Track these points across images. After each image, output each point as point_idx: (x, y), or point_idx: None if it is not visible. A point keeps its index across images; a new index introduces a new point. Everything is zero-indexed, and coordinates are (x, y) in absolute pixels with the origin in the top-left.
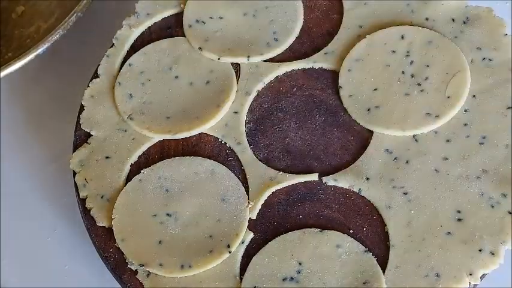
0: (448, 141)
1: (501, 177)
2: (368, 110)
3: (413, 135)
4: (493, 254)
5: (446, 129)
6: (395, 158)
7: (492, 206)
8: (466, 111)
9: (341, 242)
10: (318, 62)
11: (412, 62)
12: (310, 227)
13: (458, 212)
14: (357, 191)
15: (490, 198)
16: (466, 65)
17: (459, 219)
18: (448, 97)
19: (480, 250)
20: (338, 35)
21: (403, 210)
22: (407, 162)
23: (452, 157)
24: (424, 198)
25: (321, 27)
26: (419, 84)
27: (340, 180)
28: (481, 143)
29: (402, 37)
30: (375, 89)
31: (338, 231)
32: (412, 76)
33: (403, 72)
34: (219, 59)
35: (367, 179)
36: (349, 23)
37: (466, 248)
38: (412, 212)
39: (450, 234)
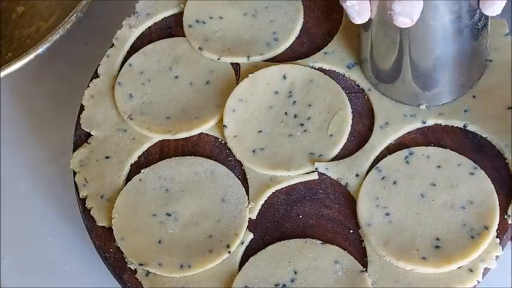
0: (439, 167)
1: (486, 210)
2: (253, 151)
3: (405, 157)
4: (471, 271)
5: (440, 154)
6: (383, 177)
7: (472, 237)
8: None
9: (340, 259)
10: (318, 62)
11: (294, 102)
12: (311, 227)
13: (437, 239)
14: (344, 185)
15: (471, 229)
16: (346, 102)
17: (437, 246)
18: (331, 135)
19: (459, 267)
20: (338, 34)
21: (382, 230)
22: (394, 183)
23: (440, 184)
24: (406, 221)
25: (321, 27)
26: (302, 125)
27: (330, 170)
28: (471, 173)
29: (284, 77)
30: (259, 131)
31: (338, 230)
32: (295, 116)
33: (286, 113)
34: (219, 59)
35: (357, 175)
36: (350, 22)
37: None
38: (391, 233)
39: (425, 259)
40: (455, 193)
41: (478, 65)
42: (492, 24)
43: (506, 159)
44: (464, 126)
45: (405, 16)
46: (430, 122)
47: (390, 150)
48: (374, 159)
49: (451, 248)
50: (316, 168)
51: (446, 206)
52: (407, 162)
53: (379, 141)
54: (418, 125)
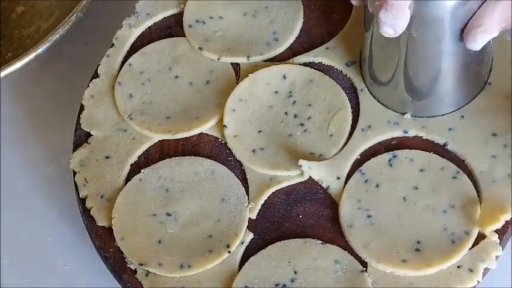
0: (421, 170)
1: (467, 215)
2: (253, 151)
3: (389, 160)
4: (471, 271)
5: (423, 158)
6: (366, 180)
7: (453, 242)
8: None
9: (340, 258)
10: (318, 56)
11: (294, 102)
12: (311, 227)
13: (418, 242)
14: (325, 188)
15: (452, 233)
16: (347, 102)
17: (417, 249)
18: (331, 135)
19: (459, 267)
20: (341, 32)
21: (363, 232)
22: (377, 185)
23: (423, 187)
24: (387, 224)
25: (321, 27)
26: (302, 125)
27: (313, 169)
28: (454, 177)
29: (284, 77)
30: (259, 131)
31: (338, 230)
32: (295, 116)
33: (286, 113)
34: (219, 59)
35: (338, 178)
36: (354, 21)
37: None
38: (372, 235)
39: (405, 261)
40: (437, 197)
41: (473, 85)
42: (501, 46)
43: (478, 186)
44: (444, 144)
45: (389, 26)
46: (412, 133)
47: (374, 152)
48: (354, 161)
49: (431, 252)
50: (299, 165)
51: (428, 210)
52: (390, 165)
53: (358, 144)
54: (399, 133)
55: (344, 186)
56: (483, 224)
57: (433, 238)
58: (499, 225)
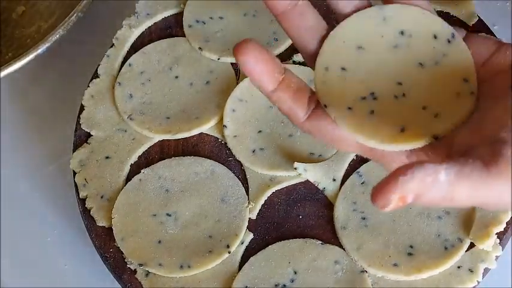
0: None
1: (462, 222)
2: (253, 151)
3: None
4: (471, 271)
5: None
6: (363, 182)
7: (446, 248)
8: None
9: (340, 259)
10: None
11: None
12: (311, 227)
13: (411, 247)
14: (321, 189)
15: (445, 240)
16: None
17: (410, 254)
18: None
19: (459, 267)
20: None
21: (356, 234)
22: None
23: None
24: (381, 227)
25: None
26: None
27: (309, 171)
28: None
29: None
30: (259, 131)
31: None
32: None
33: None
34: (219, 59)
35: (334, 180)
36: None
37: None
38: (365, 237)
39: (397, 265)
40: None
41: None
42: None
43: None
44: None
45: None
46: None
47: None
48: (350, 163)
49: (423, 257)
50: (295, 168)
51: (423, 215)
52: None
53: None
54: None
55: (340, 188)
56: (476, 240)
57: (426, 243)
58: (491, 241)
